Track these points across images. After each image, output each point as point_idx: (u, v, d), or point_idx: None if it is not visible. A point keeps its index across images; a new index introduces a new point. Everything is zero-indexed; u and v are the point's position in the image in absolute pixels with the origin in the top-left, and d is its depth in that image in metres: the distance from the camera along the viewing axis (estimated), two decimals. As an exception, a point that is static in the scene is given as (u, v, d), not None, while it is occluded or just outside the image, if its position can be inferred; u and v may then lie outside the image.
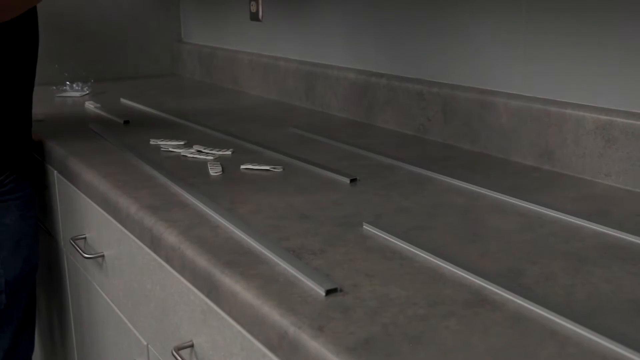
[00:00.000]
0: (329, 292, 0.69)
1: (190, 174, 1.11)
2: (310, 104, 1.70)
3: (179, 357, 0.85)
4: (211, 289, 0.78)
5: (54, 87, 1.99)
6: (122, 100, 1.79)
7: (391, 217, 0.91)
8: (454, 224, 0.88)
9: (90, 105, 1.72)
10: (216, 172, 1.12)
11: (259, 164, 1.16)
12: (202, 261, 0.79)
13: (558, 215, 0.91)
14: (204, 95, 1.94)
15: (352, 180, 1.07)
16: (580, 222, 0.88)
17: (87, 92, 1.95)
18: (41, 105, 1.74)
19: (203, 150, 1.24)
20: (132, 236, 1.01)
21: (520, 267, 0.75)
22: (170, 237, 0.87)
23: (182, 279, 0.87)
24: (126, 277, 1.08)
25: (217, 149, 1.25)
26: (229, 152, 1.24)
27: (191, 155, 1.22)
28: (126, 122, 1.53)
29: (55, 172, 1.35)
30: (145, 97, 1.85)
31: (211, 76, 2.16)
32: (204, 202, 0.96)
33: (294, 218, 0.91)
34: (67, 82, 1.99)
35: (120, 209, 1.02)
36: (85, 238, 1.25)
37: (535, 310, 0.65)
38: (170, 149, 1.27)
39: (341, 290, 0.70)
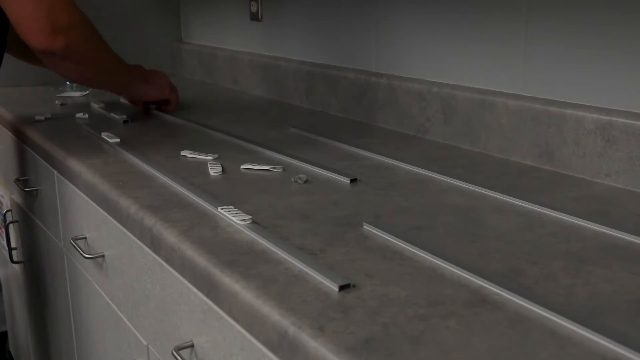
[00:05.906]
0: (342, 288, 0.69)
1: (190, 174, 1.11)
2: (310, 104, 1.70)
3: (179, 357, 0.85)
4: (211, 289, 0.78)
5: (54, 87, 1.99)
6: (122, 100, 1.79)
7: (391, 217, 0.91)
8: (454, 224, 0.88)
9: (94, 105, 1.73)
10: (216, 172, 1.12)
11: (259, 164, 1.16)
12: (202, 261, 0.79)
13: (558, 215, 0.91)
14: (204, 96, 1.94)
15: (352, 180, 1.07)
16: (580, 222, 0.88)
17: (87, 92, 1.95)
18: (42, 105, 1.75)
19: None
20: (132, 236, 1.01)
21: (520, 267, 0.75)
22: (170, 237, 0.87)
23: (182, 279, 0.86)
24: (126, 277, 1.08)
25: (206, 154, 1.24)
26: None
27: (191, 155, 1.22)
28: (125, 122, 1.53)
29: (55, 172, 1.35)
30: (145, 97, 1.84)
31: (211, 76, 2.16)
32: (204, 202, 0.96)
33: (294, 218, 0.91)
34: (67, 82, 1.99)
35: (120, 209, 1.02)
36: (85, 238, 1.25)
37: (535, 310, 0.65)
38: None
39: (354, 286, 0.70)
